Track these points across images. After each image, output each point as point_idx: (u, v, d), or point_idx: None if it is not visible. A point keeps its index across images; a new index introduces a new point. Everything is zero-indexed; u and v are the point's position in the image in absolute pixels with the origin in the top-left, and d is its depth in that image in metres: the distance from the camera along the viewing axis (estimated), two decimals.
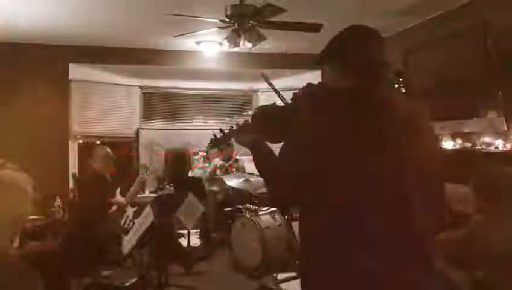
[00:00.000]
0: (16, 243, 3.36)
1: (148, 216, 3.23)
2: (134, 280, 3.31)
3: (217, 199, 5.88)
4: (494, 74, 4.02)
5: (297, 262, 4.08)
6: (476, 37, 4.19)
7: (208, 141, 2.02)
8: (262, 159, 1.62)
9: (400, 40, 5.46)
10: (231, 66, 6.78)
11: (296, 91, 1.70)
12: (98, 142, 6.08)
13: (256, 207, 5.18)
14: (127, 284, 3.25)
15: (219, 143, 1.97)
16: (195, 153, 6.93)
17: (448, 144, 4.59)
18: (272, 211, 5.18)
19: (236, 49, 4.80)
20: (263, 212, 5.10)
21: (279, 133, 1.68)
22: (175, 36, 4.54)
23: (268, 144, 1.68)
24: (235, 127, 1.86)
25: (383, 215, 1.33)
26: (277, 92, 1.99)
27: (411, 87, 5.18)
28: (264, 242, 4.75)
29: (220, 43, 5.50)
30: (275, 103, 1.89)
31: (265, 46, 5.18)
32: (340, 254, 1.34)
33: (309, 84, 1.64)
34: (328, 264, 1.37)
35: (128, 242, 3.26)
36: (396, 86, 5.11)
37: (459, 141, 4.53)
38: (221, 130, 1.97)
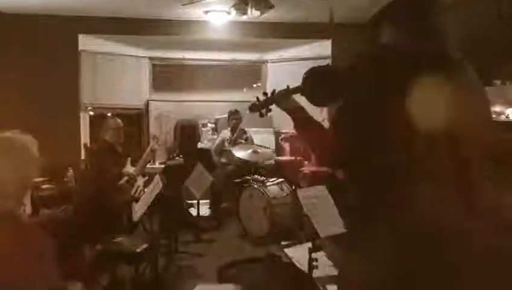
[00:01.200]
0: (29, 210, 3.48)
1: (157, 185, 3.29)
2: (144, 246, 3.38)
3: (226, 170, 5.93)
4: (507, 38, 3.91)
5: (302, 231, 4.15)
6: None
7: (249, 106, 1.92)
8: (308, 124, 1.60)
9: None
10: (240, 35, 6.72)
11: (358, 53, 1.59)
12: (108, 114, 6.12)
13: (264, 178, 5.24)
14: (137, 251, 3.32)
15: (260, 107, 1.87)
16: (204, 125, 6.98)
17: None
18: (279, 182, 5.24)
19: (244, 18, 4.75)
20: (271, 183, 5.16)
21: (331, 96, 1.65)
22: (182, 5, 4.51)
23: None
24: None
25: (440, 172, 1.35)
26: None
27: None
28: (271, 212, 4.82)
29: (228, 12, 5.45)
30: (328, 64, 1.81)
31: (272, 15, 5.11)
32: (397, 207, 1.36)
33: (372, 48, 1.59)
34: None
35: (139, 210, 3.34)
36: None
37: None
38: (264, 93, 1.87)
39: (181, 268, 4.24)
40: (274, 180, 5.24)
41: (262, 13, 3.99)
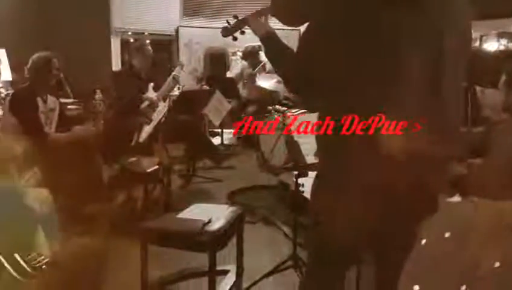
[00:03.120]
0: (53, 128, 3.68)
1: (163, 108, 3.38)
2: (155, 167, 3.54)
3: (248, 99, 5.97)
4: None
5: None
6: None
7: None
8: (276, 48, 1.57)
9: None
10: None
11: None
12: (136, 38, 6.20)
13: (285, 109, 5.23)
14: (148, 171, 3.49)
15: (232, 31, 1.87)
16: (234, 54, 6.94)
17: (491, 45, 4.27)
18: (301, 112, 5.20)
19: None
20: (291, 114, 5.14)
21: (302, 13, 1.58)
22: None
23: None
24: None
25: (413, 95, 1.32)
26: None
27: None
28: (289, 143, 4.84)
29: None
30: None
31: None
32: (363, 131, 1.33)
33: None
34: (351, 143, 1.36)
35: (146, 131, 3.47)
36: None
37: (503, 41, 4.19)
38: (235, 16, 1.86)
39: (196, 191, 4.43)
40: (295, 111, 5.21)
41: None
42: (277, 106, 5.28)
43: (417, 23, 1.32)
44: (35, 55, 3.45)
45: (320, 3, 1.42)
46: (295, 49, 1.50)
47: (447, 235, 1.37)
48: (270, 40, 1.61)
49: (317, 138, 1.51)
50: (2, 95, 4.37)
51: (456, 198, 1.50)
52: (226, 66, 6.77)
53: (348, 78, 1.35)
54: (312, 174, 1.60)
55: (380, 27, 1.31)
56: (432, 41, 1.34)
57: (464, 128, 1.84)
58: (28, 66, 3.43)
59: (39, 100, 3.43)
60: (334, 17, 1.36)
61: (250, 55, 6.02)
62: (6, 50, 4.97)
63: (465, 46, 1.47)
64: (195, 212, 2.44)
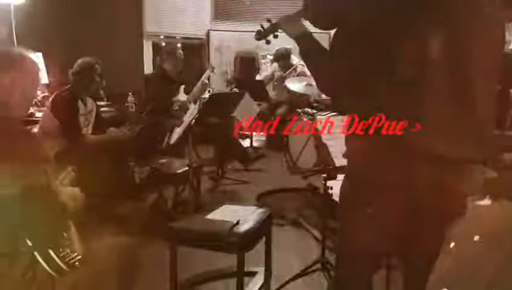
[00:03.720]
0: (90, 130, 3.79)
1: (194, 110, 3.42)
2: (185, 168, 3.59)
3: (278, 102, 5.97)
4: None
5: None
6: None
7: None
8: (312, 48, 1.58)
9: None
10: None
11: None
12: (168, 42, 6.29)
13: (315, 111, 5.21)
14: (178, 172, 3.54)
15: (265, 34, 1.90)
16: (264, 57, 6.96)
17: None
18: (331, 116, 5.18)
19: None
20: (322, 117, 5.12)
21: (332, 18, 1.59)
22: None
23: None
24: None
25: (444, 98, 1.31)
26: None
27: None
28: (319, 146, 4.82)
29: None
30: None
31: None
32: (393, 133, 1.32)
33: None
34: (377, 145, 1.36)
35: (176, 133, 3.52)
36: None
37: None
38: (268, 20, 1.88)
39: (225, 193, 4.47)
40: (325, 114, 5.19)
41: None
42: (307, 109, 5.28)
43: (446, 26, 1.30)
44: (80, 60, 3.60)
45: (351, 7, 1.42)
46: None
47: (476, 238, 1.35)
48: (305, 39, 1.62)
49: (346, 140, 1.51)
50: (39, 98, 4.52)
51: (486, 201, 1.46)
52: (255, 69, 6.80)
53: (377, 80, 1.35)
54: (341, 177, 1.59)
55: (409, 30, 1.31)
56: (461, 44, 1.32)
57: (499, 131, 1.79)
58: (73, 70, 3.57)
59: (80, 103, 3.56)
60: (365, 21, 1.36)
61: (281, 57, 6.02)
62: (42, 54, 5.14)
63: (497, 48, 1.43)
64: (224, 213, 2.46)
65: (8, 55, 1.67)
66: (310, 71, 1.67)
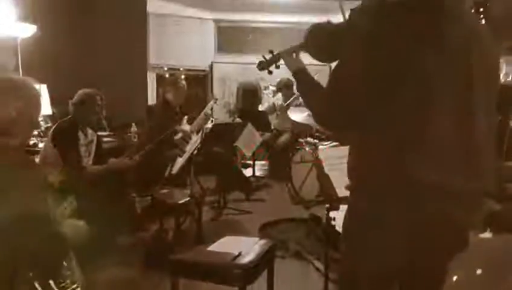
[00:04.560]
0: (91, 160, 3.80)
1: (196, 140, 3.44)
2: (187, 198, 3.58)
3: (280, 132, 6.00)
4: None
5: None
6: None
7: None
8: (307, 83, 1.61)
9: None
10: None
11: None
12: (172, 73, 6.38)
13: (317, 141, 5.23)
14: (179, 202, 3.53)
15: (267, 65, 1.95)
16: (266, 88, 7.04)
17: None
18: (333, 146, 5.19)
19: None
20: (324, 146, 5.14)
21: (332, 52, 1.66)
22: None
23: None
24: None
25: (444, 130, 1.32)
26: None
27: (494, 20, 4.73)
28: (321, 177, 4.81)
29: None
30: (329, 20, 1.77)
31: None
32: (395, 165, 1.33)
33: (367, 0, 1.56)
34: (380, 175, 1.36)
35: (178, 163, 3.53)
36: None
37: None
38: (270, 51, 1.94)
39: (227, 223, 4.44)
40: (327, 144, 5.21)
41: None
42: (309, 139, 5.30)
43: (443, 60, 1.32)
44: (81, 91, 3.63)
45: (350, 42, 1.44)
46: (325, 84, 1.52)
47: (478, 271, 1.33)
48: (301, 75, 1.65)
49: (349, 170, 1.51)
50: (42, 128, 4.55)
51: (488, 234, 1.45)
52: (258, 100, 6.87)
53: (377, 114, 1.35)
54: (344, 207, 1.58)
55: (407, 64, 1.32)
56: (461, 77, 1.34)
57: (499, 162, 1.80)
58: (73, 100, 3.60)
59: (80, 134, 3.57)
60: (364, 56, 1.37)
61: (284, 87, 6.10)
62: (47, 85, 5.21)
63: (496, 79, 1.46)
64: (226, 245, 2.43)
65: (13, 85, 1.70)
66: (306, 106, 1.70)
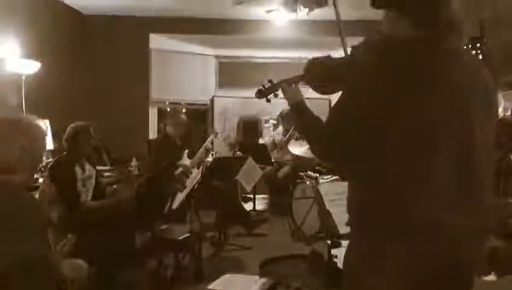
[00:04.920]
0: (89, 196, 3.78)
1: (197, 175, 3.43)
2: (186, 234, 3.54)
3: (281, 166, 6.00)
4: None
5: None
6: None
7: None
8: (304, 116, 1.61)
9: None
10: (304, 34, 6.73)
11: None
12: (174, 109, 6.42)
13: (318, 175, 5.22)
14: (179, 238, 3.49)
15: (266, 93, 1.95)
16: (266, 121, 7.09)
17: None
18: (333, 180, 5.17)
19: (310, 17, 4.71)
20: (324, 181, 5.12)
21: (332, 85, 1.68)
22: (236, 4, 4.64)
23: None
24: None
25: (444, 167, 1.31)
26: None
27: (491, 55, 4.80)
28: (322, 213, 4.78)
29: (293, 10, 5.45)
30: (329, 55, 1.80)
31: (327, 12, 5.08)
32: (395, 202, 1.32)
33: (369, 37, 1.58)
34: (384, 217, 1.35)
35: (178, 198, 3.51)
36: (473, 52, 4.77)
37: None
38: (270, 80, 1.95)
39: (227, 259, 4.37)
40: (328, 178, 5.19)
41: (311, 10, 3.97)
42: (309, 172, 5.29)
43: (444, 98, 1.33)
44: (72, 125, 3.62)
45: (352, 78, 1.45)
46: (324, 118, 1.52)
47: None
48: (298, 108, 1.65)
49: (348, 206, 1.50)
50: (43, 163, 4.56)
51: (492, 277, 1.42)
52: (258, 133, 6.90)
53: (377, 149, 1.35)
54: (345, 243, 1.56)
55: (408, 101, 1.32)
56: (460, 114, 1.34)
57: (502, 198, 1.79)
58: (65, 136, 3.59)
59: (77, 169, 3.55)
60: (366, 92, 1.37)
61: (286, 117, 6.14)
62: (49, 120, 5.25)
63: (494, 116, 1.46)
64: (226, 283, 2.40)
65: (18, 123, 1.71)
66: (304, 136, 1.70)
